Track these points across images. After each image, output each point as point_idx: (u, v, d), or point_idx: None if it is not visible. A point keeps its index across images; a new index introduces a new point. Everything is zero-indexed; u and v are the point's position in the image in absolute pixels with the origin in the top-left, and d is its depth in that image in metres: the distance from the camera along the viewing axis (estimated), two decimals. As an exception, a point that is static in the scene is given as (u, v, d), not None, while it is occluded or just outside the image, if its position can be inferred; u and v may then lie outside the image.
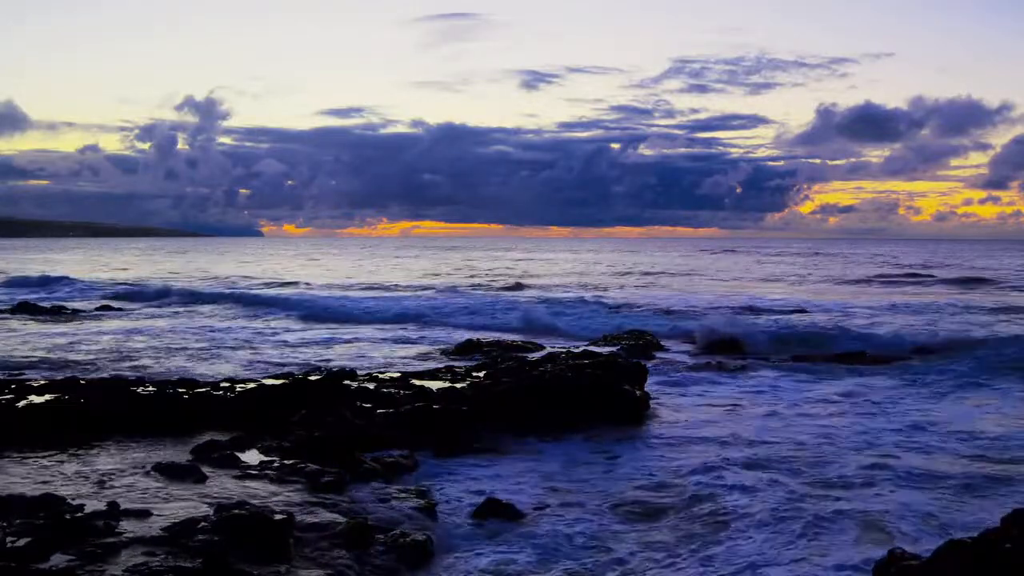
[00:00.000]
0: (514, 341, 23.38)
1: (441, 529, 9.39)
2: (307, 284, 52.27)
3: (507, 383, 14.54)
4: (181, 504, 9.19)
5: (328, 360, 20.86)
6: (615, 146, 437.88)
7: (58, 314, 32.39)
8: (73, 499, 9.05)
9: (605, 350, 19.63)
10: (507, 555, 8.76)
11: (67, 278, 51.81)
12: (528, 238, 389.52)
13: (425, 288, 48.61)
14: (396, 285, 51.94)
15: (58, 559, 7.32)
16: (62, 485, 9.92)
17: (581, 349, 19.04)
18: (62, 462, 11.19)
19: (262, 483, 10.24)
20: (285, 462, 11.12)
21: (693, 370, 20.03)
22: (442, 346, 23.41)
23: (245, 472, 10.67)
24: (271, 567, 7.58)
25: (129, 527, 8.20)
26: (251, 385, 15.16)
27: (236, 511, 8.21)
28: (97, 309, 35.08)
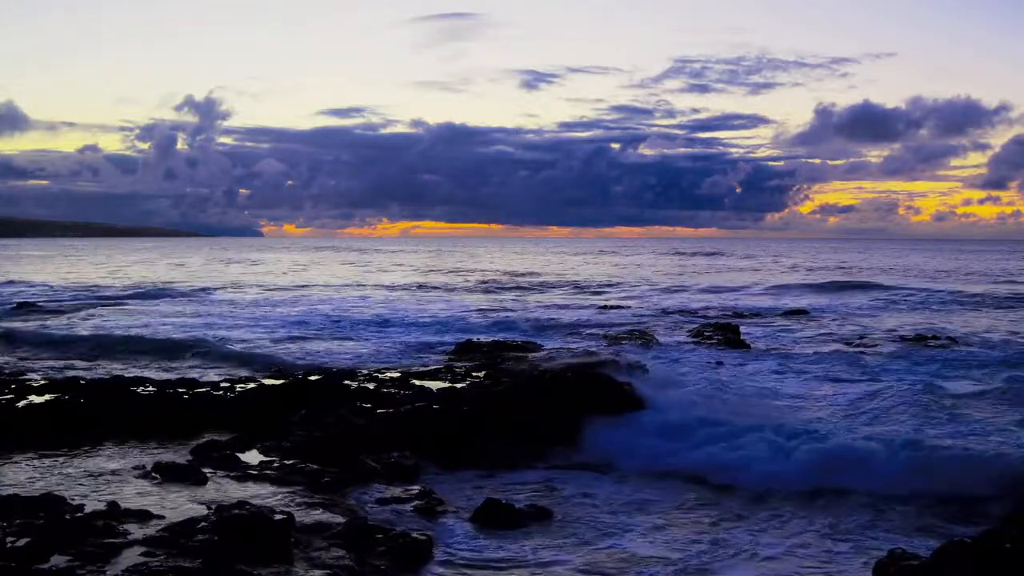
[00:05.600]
0: (514, 341, 23.36)
1: (441, 529, 9.39)
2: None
3: (507, 383, 14.54)
4: (181, 504, 9.20)
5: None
6: (615, 146, 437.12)
7: None
8: (73, 499, 9.06)
9: (606, 350, 19.65)
10: (506, 555, 8.76)
11: None
12: (527, 238, 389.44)
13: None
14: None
15: (58, 559, 7.33)
16: (62, 485, 9.93)
17: (582, 349, 19.06)
18: (62, 462, 11.20)
19: (262, 483, 10.24)
20: (285, 462, 11.12)
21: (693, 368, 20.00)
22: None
23: (245, 472, 10.68)
24: (271, 567, 7.58)
25: (129, 527, 8.20)
26: (251, 385, 15.18)
27: (236, 511, 8.21)
28: None
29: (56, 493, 9.17)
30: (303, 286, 49.50)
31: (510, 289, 48.23)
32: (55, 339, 24.21)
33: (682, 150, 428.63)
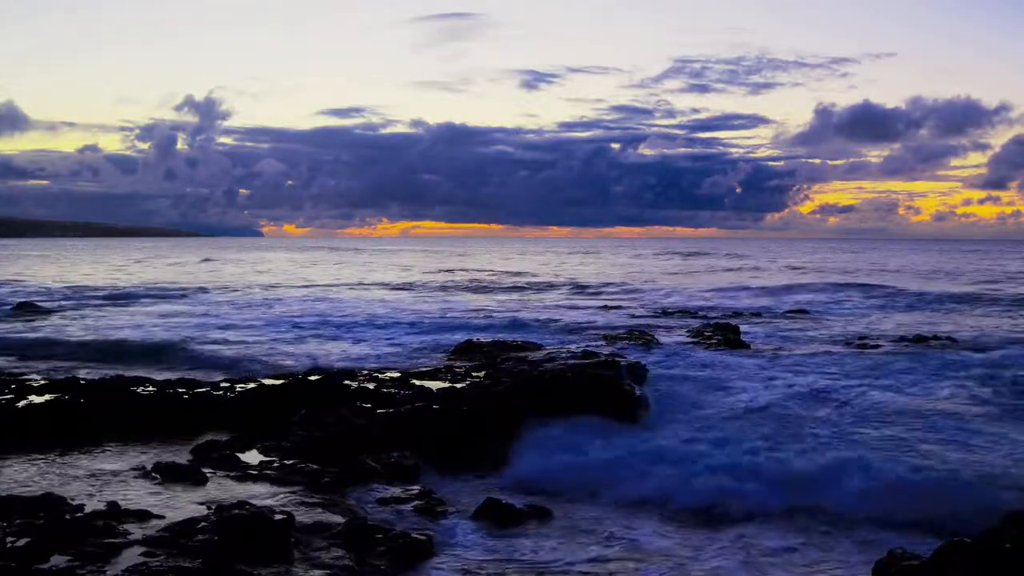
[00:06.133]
0: (514, 341, 23.34)
1: (441, 529, 9.39)
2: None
3: (507, 383, 14.54)
4: (181, 504, 9.20)
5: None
6: (615, 146, 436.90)
7: None
8: (73, 499, 9.06)
9: (606, 350, 19.63)
10: (507, 554, 8.76)
11: None
12: (527, 238, 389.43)
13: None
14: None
15: (58, 559, 7.33)
16: (62, 485, 9.93)
17: (582, 349, 19.02)
18: (62, 462, 11.20)
19: (262, 483, 10.24)
20: (285, 462, 11.12)
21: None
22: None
23: (245, 472, 10.68)
24: (271, 567, 7.58)
25: (129, 527, 8.20)
26: (251, 385, 15.16)
27: (236, 511, 8.21)
28: None
29: (56, 493, 9.17)
30: (302, 286, 49.48)
31: (510, 289, 48.22)
32: (53, 340, 24.19)
33: (682, 150, 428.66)
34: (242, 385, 15.12)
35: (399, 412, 13.28)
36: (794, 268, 72.78)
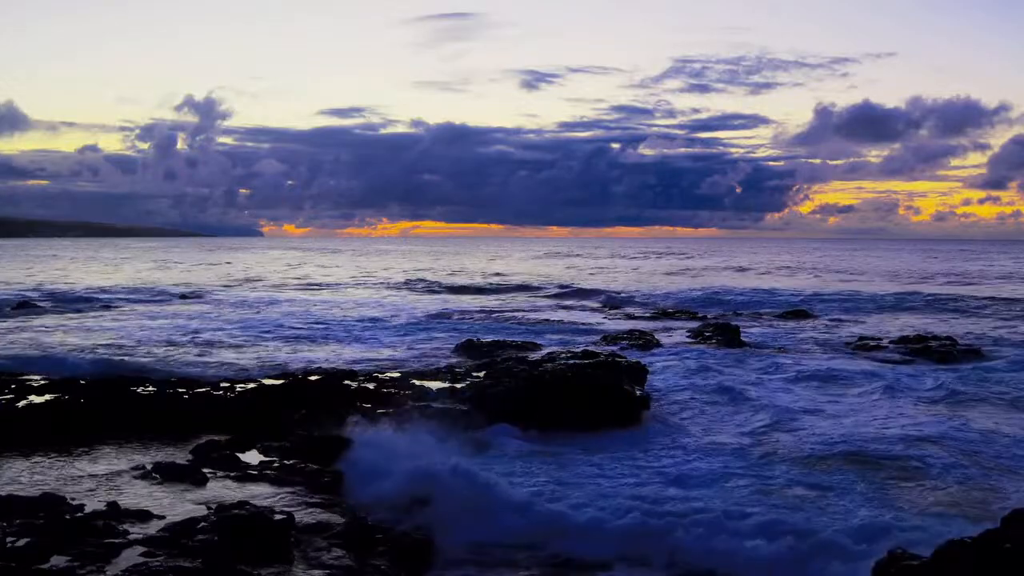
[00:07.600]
0: (514, 341, 23.35)
1: (441, 529, 9.37)
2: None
3: (507, 383, 14.53)
4: (181, 504, 9.20)
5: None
6: (615, 146, 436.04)
7: None
8: (73, 499, 9.06)
9: (606, 350, 19.63)
10: (504, 553, 8.76)
11: None
12: (527, 238, 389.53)
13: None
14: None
15: (58, 559, 7.33)
16: (62, 485, 9.93)
17: (581, 349, 19.03)
18: (62, 462, 11.20)
19: (262, 483, 10.24)
20: (285, 462, 11.12)
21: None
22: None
23: (245, 472, 10.68)
24: (271, 567, 7.58)
25: (129, 527, 8.20)
26: (251, 385, 15.16)
27: (236, 511, 8.21)
28: None
29: (56, 493, 9.18)
30: (301, 287, 49.50)
31: (509, 289, 48.24)
32: (52, 340, 24.13)
33: (682, 150, 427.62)
34: (242, 385, 15.13)
35: (399, 412, 13.27)
36: (793, 268, 72.80)
